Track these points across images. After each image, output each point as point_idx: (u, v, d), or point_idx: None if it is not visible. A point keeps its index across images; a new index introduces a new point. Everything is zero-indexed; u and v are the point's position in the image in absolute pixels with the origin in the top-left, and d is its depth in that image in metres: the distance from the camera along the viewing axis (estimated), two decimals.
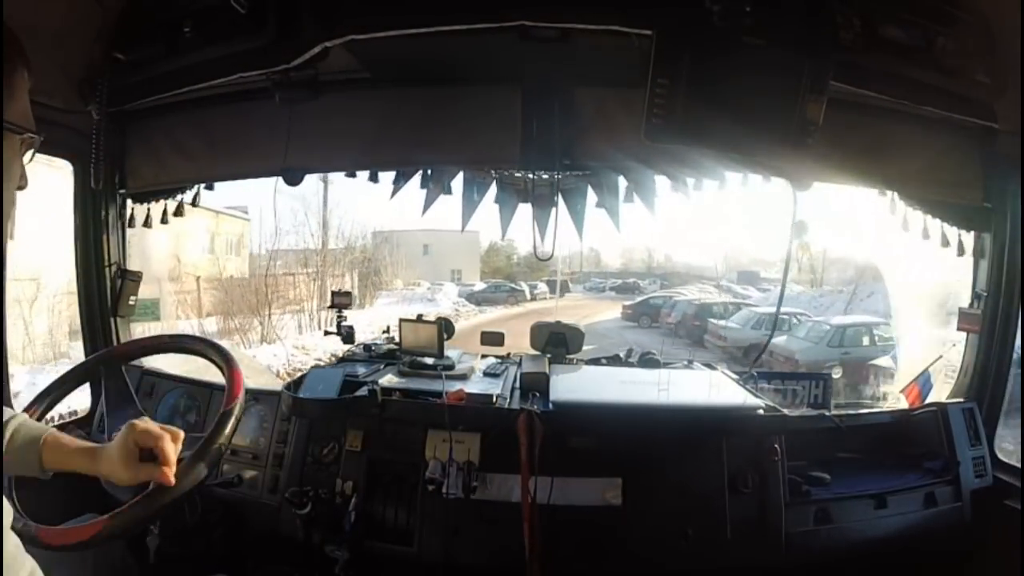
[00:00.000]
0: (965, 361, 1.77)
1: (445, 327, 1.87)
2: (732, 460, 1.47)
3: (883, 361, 7.19)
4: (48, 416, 1.26)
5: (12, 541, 0.67)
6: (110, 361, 1.29)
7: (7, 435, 0.84)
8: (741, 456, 1.48)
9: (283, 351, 9.49)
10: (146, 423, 0.89)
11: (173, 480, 0.87)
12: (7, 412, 0.89)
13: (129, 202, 1.92)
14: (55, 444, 0.88)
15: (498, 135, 1.69)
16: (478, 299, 18.07)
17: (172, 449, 0.87)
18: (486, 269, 24.32)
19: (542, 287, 20.14)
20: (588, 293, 21.86)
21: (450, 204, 2.08)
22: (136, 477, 0.86)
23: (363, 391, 1.53)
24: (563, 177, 1.93)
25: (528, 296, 18.95)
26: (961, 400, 1.72)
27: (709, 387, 1.70)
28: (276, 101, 1.60)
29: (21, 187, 0.70)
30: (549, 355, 1.95)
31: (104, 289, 1.86)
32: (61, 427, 1.71)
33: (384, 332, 2.12)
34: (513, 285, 20.08)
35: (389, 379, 1.68)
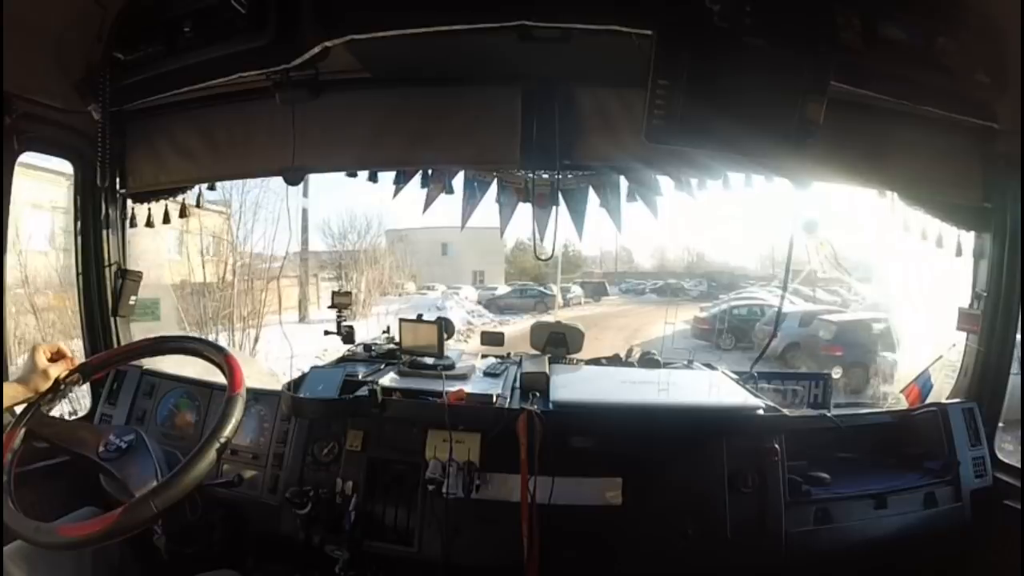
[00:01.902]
0: (965, 361, 1.76)
1: (445, 326, 1.87)
2: (732, 460, 1.47)
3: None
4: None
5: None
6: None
7: None
8: (741, 456, 1.48)
9: None
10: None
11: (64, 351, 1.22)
12: None
13: (129, 202, 1.92)
14: None
15: (498, 135, 1.69)
16: (500, 306, 15.48)
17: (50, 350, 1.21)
18: (512, 270, 21.52)
19: (576, 290, 17.49)
20: (626, 296, 19.27)
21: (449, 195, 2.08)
22: (42, 366, 1.18)
23: (363, 391, 1.53)
24: (563, 177, 1.93)
25: (560, 302, 16.05)
26: (961, 400, 1.72)
27: (709, 387, 1.70)
28: (276, 101, 1.60)
29: None
30: (549, 355, 1.95)
31: (104, 289, 1.86)
32: None
33: (384, 332, 2.12)
34: (542, 289, 17.01)
35: (389, 379, 1.68)
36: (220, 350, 1.24)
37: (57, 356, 1.21)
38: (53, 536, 0.97)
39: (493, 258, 20.88)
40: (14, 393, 1.16)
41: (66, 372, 1.21)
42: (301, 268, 11.96)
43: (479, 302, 16.06)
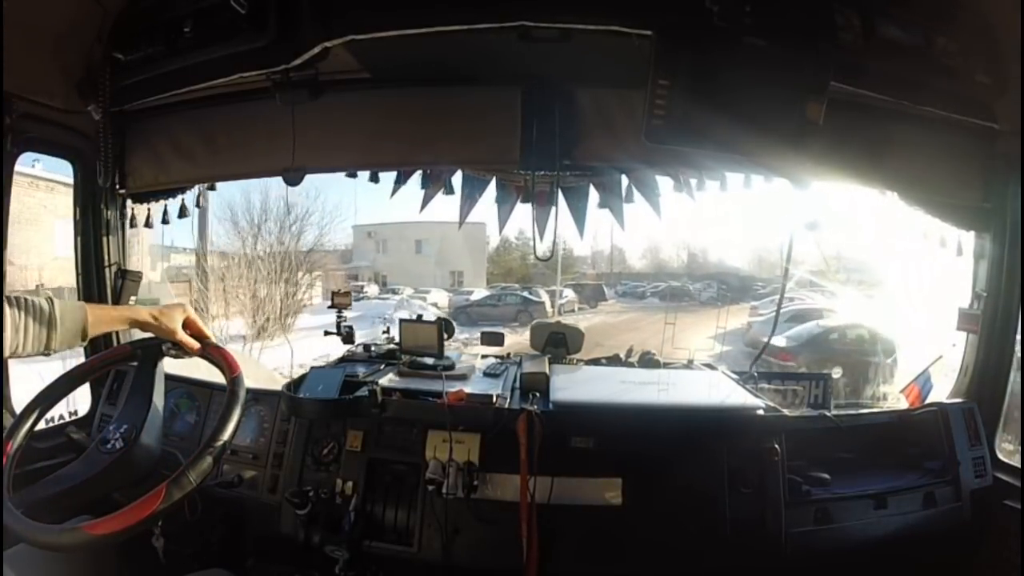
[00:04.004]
0: (965, 361, 1.76)
1: (445, 327, 1.87)
2: (732, 460, 1.47)
3: None
4: (48, 415, 1.26)
5: None
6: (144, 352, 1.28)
7: (56, 316, 1.02)
8: (741, 456, 1.48)
9: None
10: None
11: (198, 346, 1.19)
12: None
13: (129, 202, 1.92)
14: (98, 311, 1.10)
15: (498, 135, 1.69)
16: (473, 315, 12.29)
17: (204, 330, 1.21)
18: (495, 271, 19.22)
19: (569, 294, 14.65)
20: (625, 300, 16.95)
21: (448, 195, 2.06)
22: (177, 334, 1.16)
23: (363, 391, 1.53)
24: (564, 176, 1.93)
25: (550, 309, 13.03)
26: (961, 400, 1.72)
27: (709, 387, 1.70)
28: (276, 101, 1.60)
29: None
30: (549, 355, 1.95)
31: (104, 289, 1.86)
32: (62, 427, 1.72)
33: (384, 333, 2.12)
34: (526, 294, 14.03)
35: (389, 379, 1.68)
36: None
37: (192, 327, 1.20)
38: (85, 537, 0.96)
39: (474, 257, 18.71)
40: (142, 318, 1.15)
41: (194, 344, 1.19)
42: (198, 268, 9.16)
43: (452, 307, 13.39)
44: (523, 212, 2.05)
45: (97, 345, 1.86)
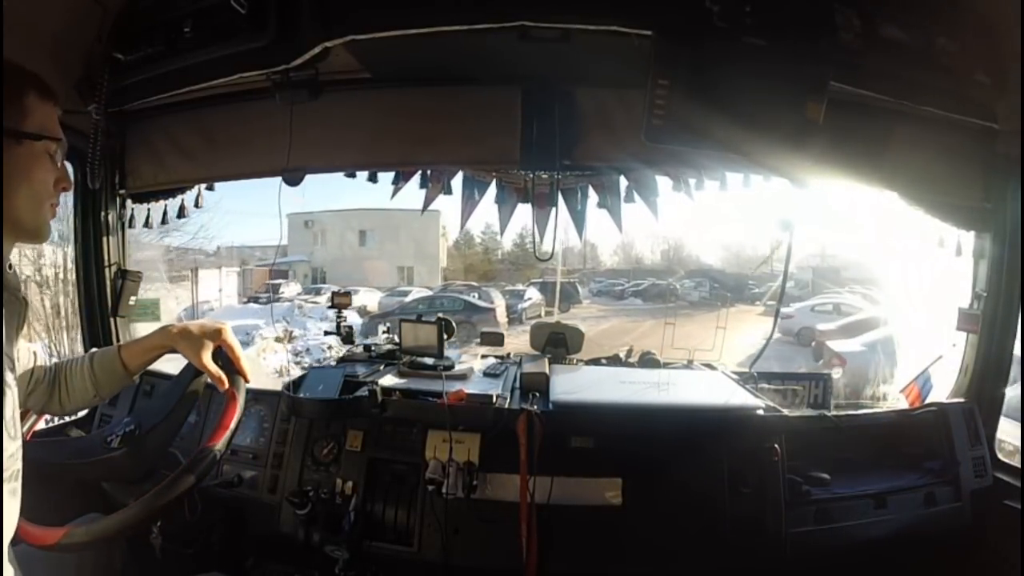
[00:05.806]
0: (965, 361, 1.76)
1: (446, 327, 1.87)
2: (732, 460, 1.47)
3: None
4: (48, 415, 1.26)
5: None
6: None
7: (86, 364, 1.02)
8: (741, 456, 1.48)
9: None
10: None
11: (226, 385, 1.03)
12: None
13: (129, 202, 1.92)
14: (130, 346, 1.05)
15: (498, 135, 1.69)
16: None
17: (241, 364, 1.05)
18: (453, 268, 16.81)
19: (533, 295, 12.35)
20: (601, 300, 15.00)
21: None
22: (201, 360, 1.01)
23: (363, 391, 1.53)
24: (563, 177, 1.93)
25: (501, 318, 10.47)
26: (961, 400, 1.72)
27: (709, 387, 1.70)
28: (276, 101, 1.60)
29: (65, 188, 0.81)
30: (549, 355, 1.95)
31: (104, 289, 1.86)
32: (62, 427, 1.72)
33: (384, 332, 2.12)
34: (473, 298, 11.39)
35: (389, 379, 1.68)
36: None
37: (230, 353, 1.04)
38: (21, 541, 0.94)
39: (428, 251, 16.24)
40: (171, 338, 1.01)
41: (220, 378, 1.03)
42: None
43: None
44: (519, 212, 2.05)
45: (97, 343, 1.87)
